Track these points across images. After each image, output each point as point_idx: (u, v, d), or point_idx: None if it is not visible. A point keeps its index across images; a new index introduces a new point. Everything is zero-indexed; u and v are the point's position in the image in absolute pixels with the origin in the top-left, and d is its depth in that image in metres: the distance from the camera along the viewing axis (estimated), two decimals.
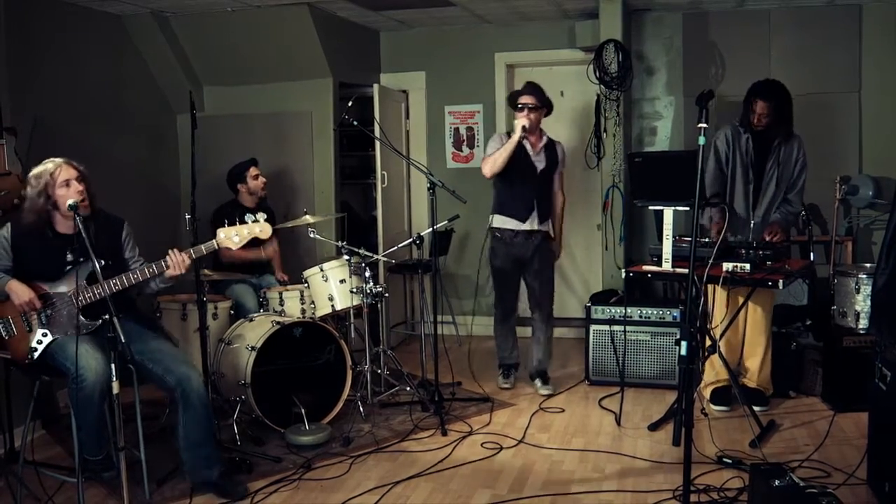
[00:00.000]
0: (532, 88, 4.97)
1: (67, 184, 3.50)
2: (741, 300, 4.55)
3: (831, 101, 6.21)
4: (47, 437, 4.55)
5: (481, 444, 4.27)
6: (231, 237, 3.58)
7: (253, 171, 5.48)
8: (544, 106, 4.99)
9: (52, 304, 3.54)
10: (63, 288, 3.54)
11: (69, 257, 3.58)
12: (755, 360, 4.70)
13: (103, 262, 3.53)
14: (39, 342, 3.53)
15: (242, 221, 3.63)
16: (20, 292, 3.46)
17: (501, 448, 4.22)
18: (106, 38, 5.69)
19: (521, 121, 4.83)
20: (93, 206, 3.60)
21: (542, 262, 5.07)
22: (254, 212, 5.36)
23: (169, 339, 3.84)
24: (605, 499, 3.59)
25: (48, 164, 3.55)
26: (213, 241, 3.59)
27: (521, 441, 4.32)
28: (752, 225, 4.57)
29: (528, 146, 4.98)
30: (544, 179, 5.05)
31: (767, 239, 4.49)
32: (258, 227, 3.60)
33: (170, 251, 3.57)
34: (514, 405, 4.97)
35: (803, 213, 5.84)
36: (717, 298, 4.53)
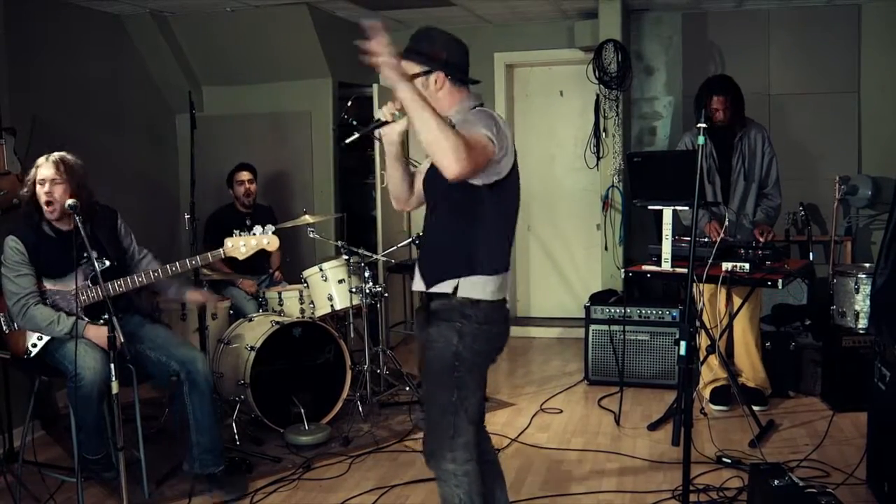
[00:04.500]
0: (412, 41, 2.59)
1: (42, 183, 3.49)
2: (725, 298, 4.55)
3: (830, 101, 6.21)
4: (47, 437, 4.54)
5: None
6: (238, 247, 3.60)
7: (241, 175, 5.46)
8: (427, 65, 2.54)
9: (54, 301, 3.54)
10: (67, 286, 3.54)
11: (76, 255, 3.58)
12: (745, 359, 4.70)
13: (108, 262, 3.54)
14: (40, 338, 3.53)
15: (247, 227, 3.64)
16: (101, 335, 3.37)
17: (499, 450, 4.22)
18: (105, 38, 5.68)
19: (386, 109, 2.58)
20: (88, 204, 3.57)
21: (428, 353, 2.60)
22: (249, 216, 5.40)
23: (168, 327, 3.86)
24: (605, 499, 3.59)
25: (41, 159, 3.55)
26: (220, 249, 3.61)
27: (514, 440, 4.32)
28: (727, 223, 4.56)
29: None
30: (438, 200, 2.62)
31: (761, 240, 4.49)
32: (266, 238, 3.63)
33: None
34: (514, 405, 4.97)
35: (802, 212, 5.86)
36: (706, 298, 4.53)
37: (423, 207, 2.68)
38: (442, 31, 2.58)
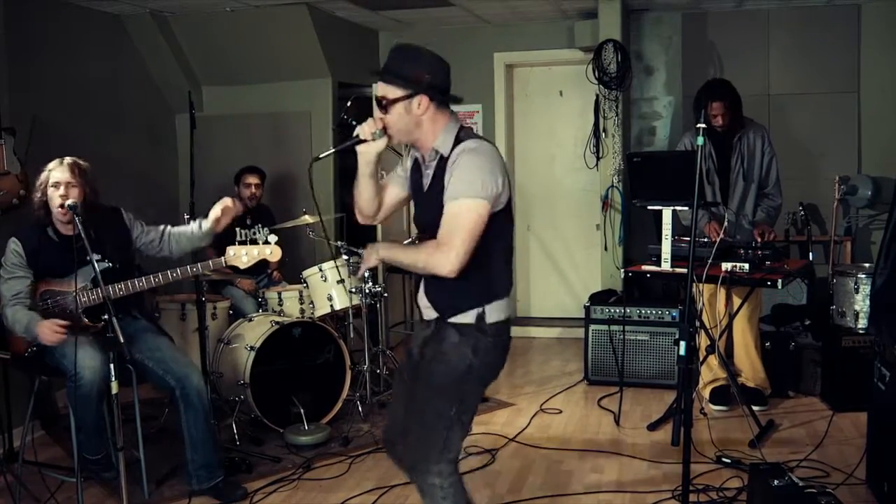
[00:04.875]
0: (391, 61, 2.48)
1: (56, 186, 3.50)
2: (725, 298, 4.55)
3: (830, 101, 6.21)
4: (46, 437, 4.55)
5: (479, 445, 4.27)
6: (240, 256, 3.60)
7: (249, 178, 5.49)
8: (410, 89, 2.42)
9: (56, 301, 3.54)
10: (70, 287, 3.54)
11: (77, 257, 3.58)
12: (745, 359, 4.70)
13: (109, 263, 3.53)
14: None
15: (248, 231, 3.64)
16: (47, 331, 3.41)
17: (498, 449, 4.22)
18: (105, 37, 5.69)
19: (366, 127, 2.49)
20: (93, 207, 3.58)
21: (426, 365, 2.55)
22: (249, 215, 5.40)
23: (169, 338, 3.85)
24: (605, 499, 3.59)
25: (53, 163, 3.56)
26: (222, 258, 3.61)
27: (511, 439, 4.32)
28: (726, 223, 4.56)
29: (419, 159, 2.59)
30: (433, 230, 2.44)
31: (759, 240, 4.49)
32: (268, 248, 3.63)
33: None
34: (514, 405, 4.97)
35: (802, 212, 5.86)
36: (706, 298, 4.53)
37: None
38: (423, 51, 2.47)
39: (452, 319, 2.48)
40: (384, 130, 2.46)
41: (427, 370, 2.51)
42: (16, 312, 3.49)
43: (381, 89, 2.43)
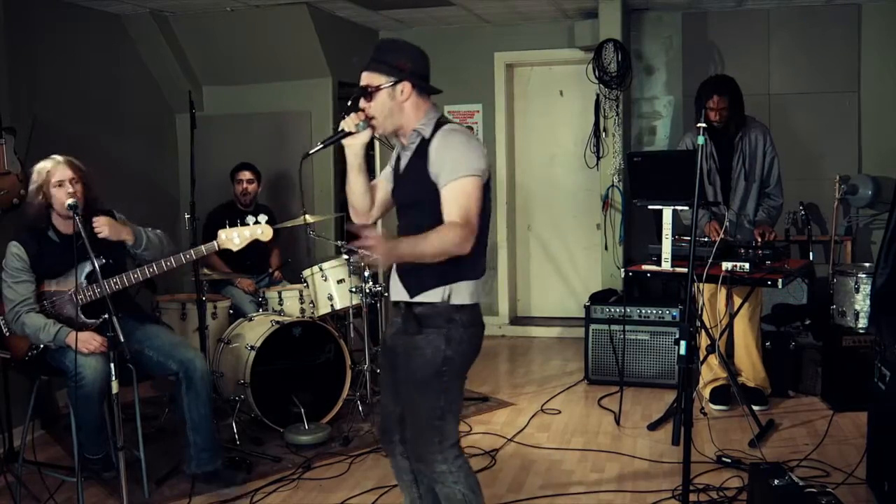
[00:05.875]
0: (376, 52, 2.57)
1: (61, 184, 3.49)
2: (725, 297, 4.55)
3: (830, 101, 6.21)
4: (47, 436, 4.55)
5: (479, 445, 4.27)
6: (232, 238, 3.57)
7: (241, 174, 5.47)
8: (394, 76, 2.51)
9: (53, 301, 3.54)
10: (67, 286, 3.54)
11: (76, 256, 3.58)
12: (745, 359, 4.70)
13: (104, 260, 3.53)
14: None
15: (244, 224, 3.62)
16: (84, 339, 3.43)
17: (498, 449, 4.22)
18: (105, 37, 5.69)
19: (349, 120, 2.55)
20: (92, 207, 3.58)
21: (404, 362, 2.59)
22: (248, 214, 5.39)
23: (168, 327, 3.86)
24: (605, 499, 3.59)
25: (47, 163, 3.54)
26: (214, 242, 3.59)
27: (511, 439, 4.32)
28: (727, 223, 4.56)
29: (400, 150, 2.68)
30: (409, 206, 2.63)
31: (759, 240, 4.49)
32: (259, 228, 3.60)
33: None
34: (514, 405, 4.97)
35: (802, 212, 5.85)
36: (706, 298, 4.53)
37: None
38: (406, 42, 2.61)
39: (419, 297, 2.52)
40: (367, 121, 2.55)
41: (406, 366, 2.57)
42: (33, 319, 3.48)
43: (367, 78, 2.53)
